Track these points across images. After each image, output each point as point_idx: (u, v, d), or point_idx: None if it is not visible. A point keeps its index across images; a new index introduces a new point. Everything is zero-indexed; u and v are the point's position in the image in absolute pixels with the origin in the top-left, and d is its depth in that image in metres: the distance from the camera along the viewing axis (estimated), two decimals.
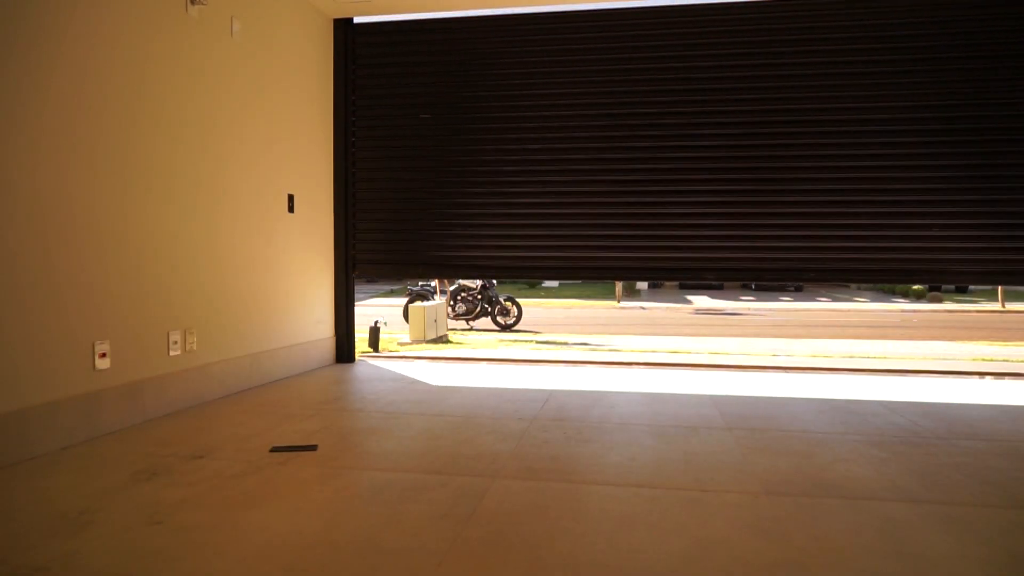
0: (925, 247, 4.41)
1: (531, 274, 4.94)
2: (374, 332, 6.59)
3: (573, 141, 4.76)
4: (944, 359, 6.22)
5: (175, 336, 3.31)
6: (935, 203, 4.38)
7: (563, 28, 4.76)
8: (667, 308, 17.04)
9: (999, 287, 17.20)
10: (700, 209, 4.62)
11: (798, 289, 23.73)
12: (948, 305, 18.16)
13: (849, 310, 16.55)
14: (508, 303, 11.08)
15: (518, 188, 4.83)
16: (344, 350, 5.08)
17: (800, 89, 4.50)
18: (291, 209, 4.43)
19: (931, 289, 20.96)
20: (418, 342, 7.90)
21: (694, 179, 4.62)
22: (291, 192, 4.43)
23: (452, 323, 11.05)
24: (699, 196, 4.62)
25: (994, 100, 4.30)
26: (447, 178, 4.92)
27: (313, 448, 2.71)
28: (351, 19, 4.98)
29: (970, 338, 9.32)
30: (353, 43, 5.01)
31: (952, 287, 23.28)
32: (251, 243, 3.98)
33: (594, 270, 4.82)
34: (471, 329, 10.94)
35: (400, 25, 4.96)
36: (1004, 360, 5.88)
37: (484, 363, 5.24)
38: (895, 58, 4.39)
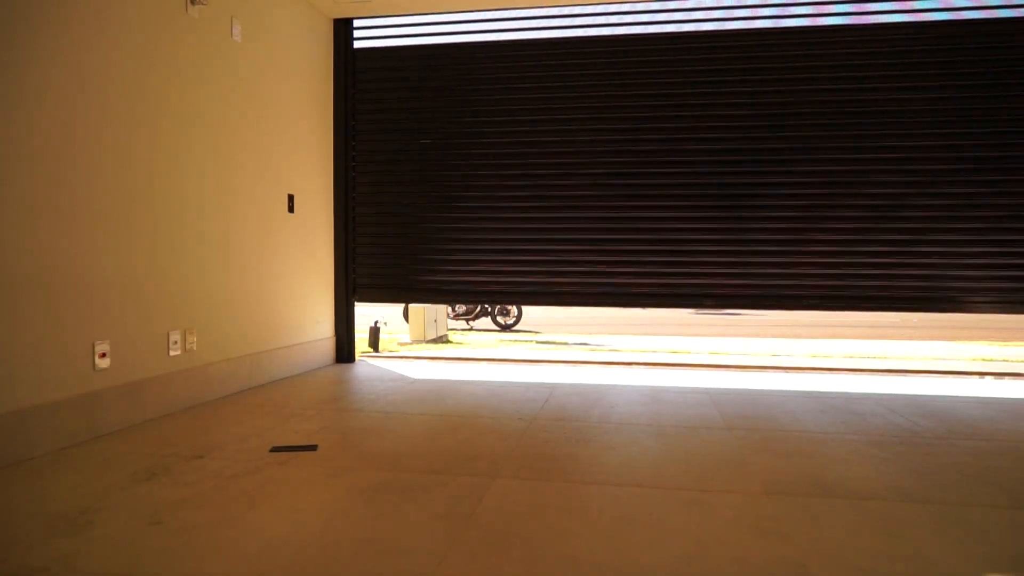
0: (929, 274, 4.40)
1: (532, 300, 4.93)
2: (374, 332, 6.59)
3: (572, 167, 4.77)
4: (944, 359, 6.22)
5: (175, 336, 3.32)
6: (939, 230, 4.37)
7: (562, 54, 4.78)
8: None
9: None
10: (700, 235, 4.63)
11: None
12: None
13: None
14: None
15: (518, 214, 4.84)
16: (344, 350, 5.08)
17: (804, 116, 4.50)
18: (291, 209, 4.43)
19: None
20: (418, 342, 7.90)
21: (695, 205, 4.63)
22: (291, 192, 4.43)
23: (452, 323, 11.06)
24: (700, 223, 4.63)
25: (1003, 127, 4.28)
26: (447, 203, 4.93)
27: (313, 448, 2.71)
28: (351, 19, 4.99)
29: (970, 338, 9.31)
30: (354, 67, 5.03)
31: None
32: (251, 243, 3.98)
33: (595, 296, 4.82)
34: (471, 329, 10.94)
35: (399, 51, 4.99)
36: (1004, 360, 5.88)
37: (484, 363, 5.24)
38: (901, 84, 4.38)
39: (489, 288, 4.94)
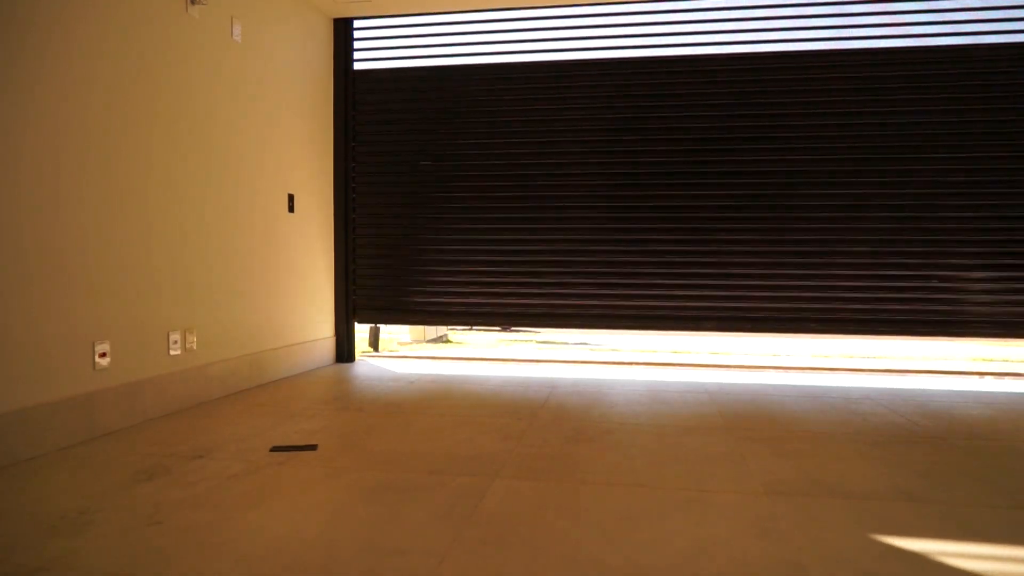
0: (930, 298, 4.39)
1: (534, 322, 4.91)
2: (374, 332, 6.60)
3: (573, 189, 4.77)
4: (944, 359, 6.22)
5: (175, 336, 3.32)
6: (940, 254, 4.36)
7: (563, 76, 4.78)
8: None
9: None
10: (700, 259, 4.63)
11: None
12: None
13: None
14: None
15: (518, 236, 4.84)
16: (344, 350, 5.08)
17: (803, 140, 4.49)
18: (291, 209, 4.43)
19: None
20: (418, 342, 7.91)
21: (695, 227, 4.63)
22: (291, 192, 4.43)
23: None
24: (699, 245, 4.63)
25: (1011, 151, 4.27)
26: (447, 224, 4.93)
27: (313, 448, 2.71)
28: (351, 19, 4.99)
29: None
30: (353, 88, 5.03)
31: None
32: (251, 243, 3.98)
33: (595, 319, 4.80)
34: (471, 329, 10.94)
35: (399, 73, 4.99)
36: (1004, 360, 5.88)
37: (484, 363, 5.24)
38: (904, 109, 4.38)
39: (490, 311, 4.93)
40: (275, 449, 2.69)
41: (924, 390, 4.07)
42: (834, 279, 4.48)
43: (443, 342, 8.08)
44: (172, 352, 3.30)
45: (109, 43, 2.90)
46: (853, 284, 4.46)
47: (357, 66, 5.03)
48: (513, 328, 10.90)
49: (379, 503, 2.11)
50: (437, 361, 5.31)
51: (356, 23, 5.01)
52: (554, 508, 2.08)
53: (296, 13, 4.48)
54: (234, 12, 3.76)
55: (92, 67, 2.81)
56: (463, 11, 4.81)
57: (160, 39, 3.20)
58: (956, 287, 4.35)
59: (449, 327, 9.94)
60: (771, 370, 4.94)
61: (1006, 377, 4.62)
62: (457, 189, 4.90)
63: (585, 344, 7.97)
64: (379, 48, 5.03)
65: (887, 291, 4.42)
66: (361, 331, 6.19)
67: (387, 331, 8.86)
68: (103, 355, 2.88)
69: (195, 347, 3.46)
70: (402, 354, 5.88)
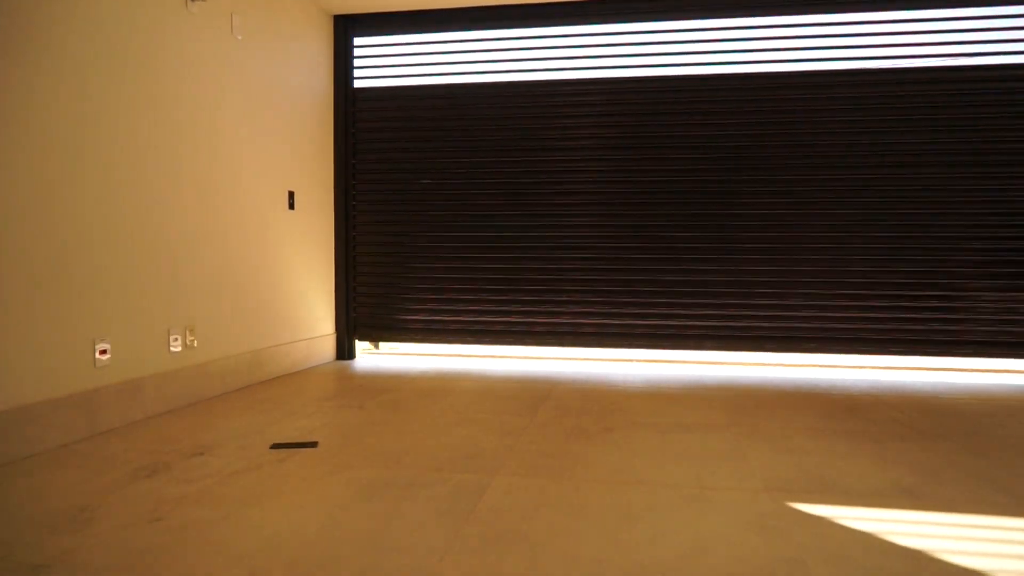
0: (940, 318, 4.38)
1: (536, 340, 4.90)
2: None
3: (574, 208, 4.76)
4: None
5: (175, 333, 3.32)
6: (951, 274, 4.35)
7: (563, 94, 4.77)
8: None
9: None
10: (700, 277, 4.62)
11: None
12: None
13: None
14: None
15: (518, 253, 4.83)
16: (345, 347, 5.09)
17: (806, 155, 4.47)
18: (291, 206, 4.43)
19: None
20: None
21: (696, 247, 4.62)
22: (291, 189, 4.43)
23: None
24: (700, 264, 4.62)
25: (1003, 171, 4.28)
26: (448, 243, 4.92)
27: (313, 445, 2.71)
28: (351, 15, 4.98)
29: None
30: (355, 107, 5.03)
31: None
32: (251, 240, 3.98)
33: (597, 336, 4.80)
34: None
35: (399, 91, 4.99)
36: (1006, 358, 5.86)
37: (485, 360, 5.24)
38: (919, 128, 4.37)
39: (492, 329, 4.92)
40: (275, 446, 2.69)
41: (925, 387, 4.07)
42: (835, 298, 4.48)
43: None
44: (173, 349, 3.30)
45: (108, 37, 2.89)
46: (855, 304, 4.46)
47: (358, 84, 5.04)
48: None
49: (379, 500, 2.11)
50: (438, 358, 5.31)
51: (356, 40, 5.03)
52: (555, 505, 2.08)
53: (296, 9, 4.47)
54: (234, 8, 3.75)
55: (91, 63, 2.80)
56: (461, 8, 4.79)
57: (159, 35, 3.19)
58: (966, 307, 4.35)
59: None
60: (771, 367, 4.94)
61: (1007, 374, 4.61)
62: (459, 206, 4.89)
63: None
64: (379, 66, 5.03)
65: (892, 310, 4.41)
66: None
67: None
68: (104, 352, 2.88)
69: (195, 344, 3.46)
70: (403, 351, 5.88)
